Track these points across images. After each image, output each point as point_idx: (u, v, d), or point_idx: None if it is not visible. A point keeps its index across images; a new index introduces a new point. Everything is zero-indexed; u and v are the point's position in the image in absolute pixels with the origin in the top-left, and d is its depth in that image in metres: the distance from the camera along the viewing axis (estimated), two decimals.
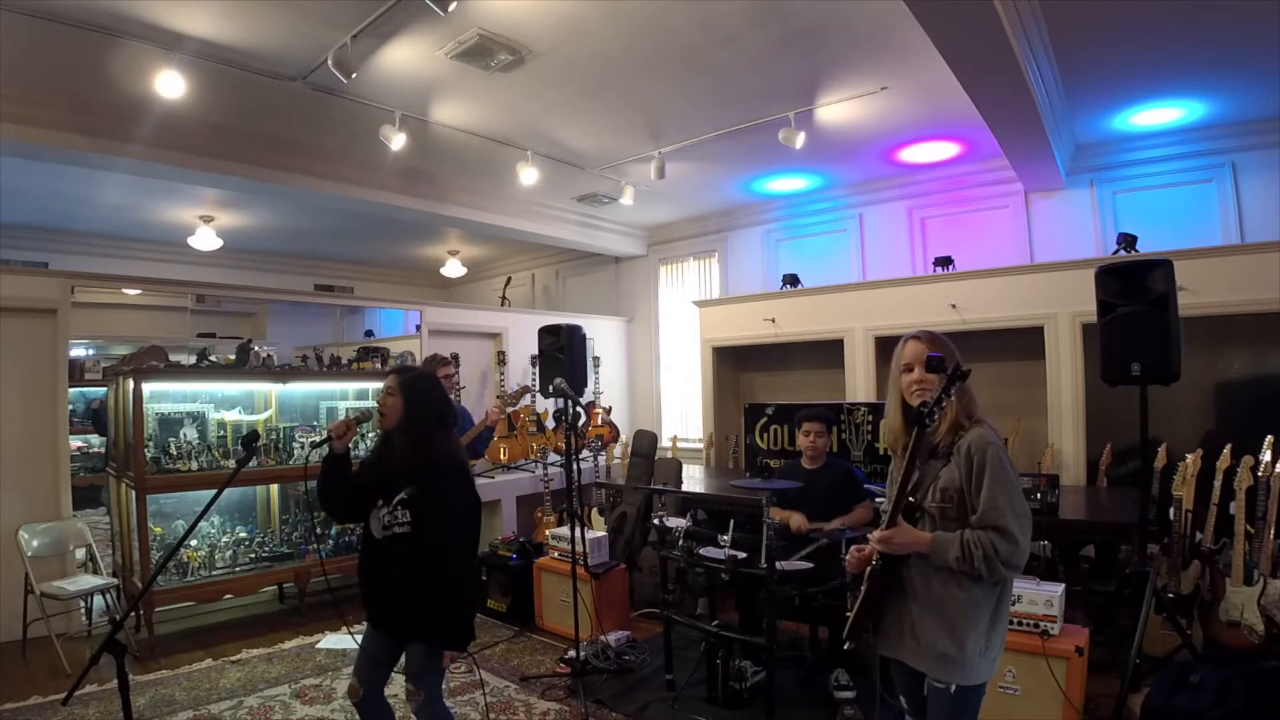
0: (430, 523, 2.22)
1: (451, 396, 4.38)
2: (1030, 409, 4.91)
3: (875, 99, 4.44)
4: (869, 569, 1.83)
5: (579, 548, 3.92)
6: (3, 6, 3.20)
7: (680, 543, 3.43)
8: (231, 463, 4.58)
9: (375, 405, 2.36)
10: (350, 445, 2.36)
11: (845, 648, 1.95)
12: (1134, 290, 3.14)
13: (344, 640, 4.19)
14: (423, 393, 2.35)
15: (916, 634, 1.77)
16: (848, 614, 1.92)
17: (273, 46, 3.71)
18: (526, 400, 6.38)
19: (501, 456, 6.06)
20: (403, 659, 2.32)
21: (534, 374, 6.22)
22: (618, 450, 6.71)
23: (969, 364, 1.75)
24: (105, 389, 5.38)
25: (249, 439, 2.33)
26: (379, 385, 2.60)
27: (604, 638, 3.90)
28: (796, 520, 3.59)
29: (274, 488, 5.27)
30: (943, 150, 5.43)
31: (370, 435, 4.70)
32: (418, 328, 6.31)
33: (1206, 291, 4.07)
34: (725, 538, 3.35)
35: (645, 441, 5.47)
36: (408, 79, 4.10)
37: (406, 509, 2.23)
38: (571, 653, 3.67)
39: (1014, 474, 1.75)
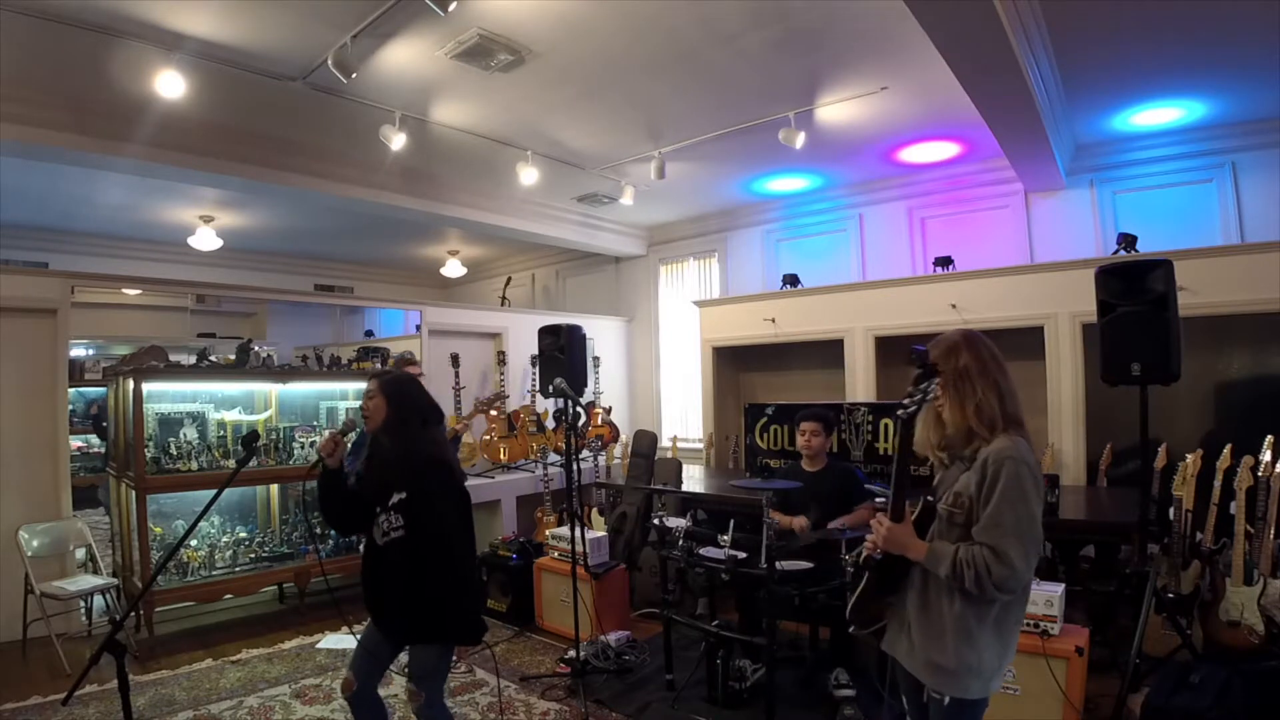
0: (421, 523, 2.23)
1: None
2: (1030, 409, 4.80)
3: (875, 99, 4.44)
4: (870, 557, 1.79)
5: (579, 548, 3.93)
6: (3, 6, 3.19)
7: (680, 543, 3.43)
8: (231, 463, 4.59)
9: (359, 410, 2.41)
10: (343, 461, 2.38)
11: (849, 630, 1.93)
12: (1134, 290, 3.13)
13: (344, 640, 4.18)
14: (405, 393, 2.39)
15: (912, 636, 1.75)
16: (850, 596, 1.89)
17: (273, 46, 3.71)
18: (521, 404, 6.39)
19: (501, 456, 6.07)
20: (402, 658, 2.32)
21: (534, 374, 6.22)
22: (618, 450, 6.71)
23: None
24: (105, 390, 5.38)
25: (249, 439, 2.33)
26: None
27: (604, 638, 3.90)
28: (799, 523, 3.60)
29: (274, 488, 5.28)
30: (943, 150, 5.43)
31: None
32: (418, 328, 6.31)
33: (1206, 291, 4.06)
34: (725, 538, 3.35)
35: (645, 441, 5.47)
36: (408, 79, 4.10)
37: (399, 513, 2.25)
38: (571, 653, 3.67)
39: (1033, 493, 1.62)
